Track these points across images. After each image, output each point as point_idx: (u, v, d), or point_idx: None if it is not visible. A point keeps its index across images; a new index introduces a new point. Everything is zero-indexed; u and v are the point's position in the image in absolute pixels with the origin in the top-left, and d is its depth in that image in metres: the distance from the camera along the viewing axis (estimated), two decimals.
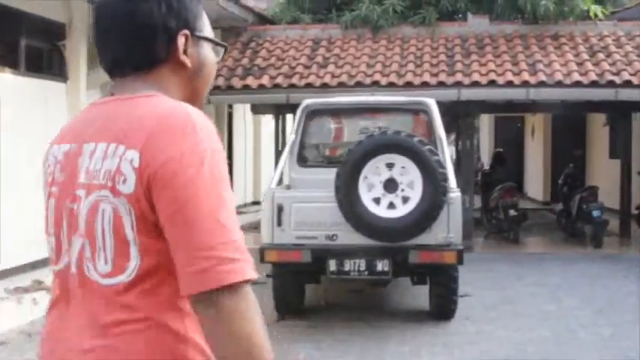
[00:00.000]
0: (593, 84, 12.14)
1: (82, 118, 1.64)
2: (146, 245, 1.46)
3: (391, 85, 12.28)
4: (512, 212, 13.69)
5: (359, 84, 12.39)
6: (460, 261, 7.42)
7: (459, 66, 12.72)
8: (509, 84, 12.22)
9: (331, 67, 12.88)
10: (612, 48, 13.20)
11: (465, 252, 12.23)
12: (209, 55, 1.67)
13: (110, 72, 1.63)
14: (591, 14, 13.94)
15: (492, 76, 12.35)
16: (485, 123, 25.00)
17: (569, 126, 20.76)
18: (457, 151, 16.31)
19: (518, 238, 13.62)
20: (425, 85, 12.32)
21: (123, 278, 1.47)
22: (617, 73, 12.35)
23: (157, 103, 1.51)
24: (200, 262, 1.38)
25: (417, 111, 8.65)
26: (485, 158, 24.38)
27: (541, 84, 12.20)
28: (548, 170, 21.11)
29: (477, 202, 15.03)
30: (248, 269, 1.41)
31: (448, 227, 7.35)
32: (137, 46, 1.57)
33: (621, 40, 13.57)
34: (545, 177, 20.79)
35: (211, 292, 1.38)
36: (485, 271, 10.95)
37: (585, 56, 12.90)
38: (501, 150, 16.86)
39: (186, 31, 1.60)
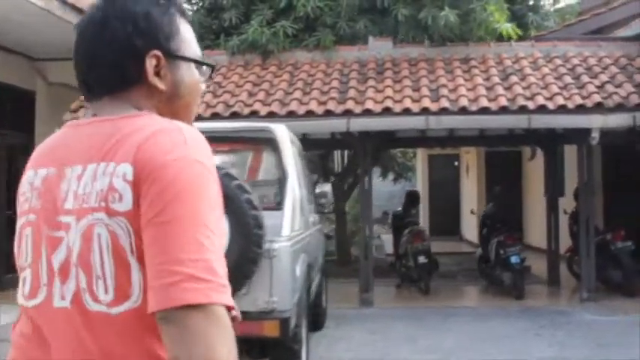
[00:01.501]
0: (503, 110, 10.52)
1: (60, 140, 1.56)
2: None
3: (271, 114, 10.58)
4: (421, 259, 12.01)
5: (235, 114, 10.68)
6: (285, 333, 5.63)
7: (351, 93, 11.07)
8: (406, 111, 10.58)
9: (208, 97, 11.16)
10: (528, 70, 11.67)
11: (363, 307, 10.77)
12: (188, 75, 1.59)
13: (86, 95, 1.58)
14: (503, 33, 12.43)
15: (388, 103, 10.72)
16: (420, 161, 23.42)
17: (503, 162, 19.28)
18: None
19: (428, 289, 11.91)
20: (310, 114, 10.64)
21: (130, 305, 1.39)
22: (531, 98, 10.78)
23: (147, 121, 1.46)
24: (165, 276, 1.31)
25: (261, 140, 6.95)
26: (424, 199, 22.77)
27: (443, 111, 10.57)
28: (482, 210, 19.51)
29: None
30: (219, 293, 1.32)
31: (270, 289, 5.59)
32: (107, 67, 1.53)
33: (539, 62, 12.05)
34: (479, 218, 19.14)
35: (178, 309, 1.29)
36: (375, 333, 9.21)
37: (497, 80, 11.33)
38: (415, 190, 15.19)
39: (157, 52, 1.53)
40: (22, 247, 1.53)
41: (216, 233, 1.37)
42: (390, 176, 25.67)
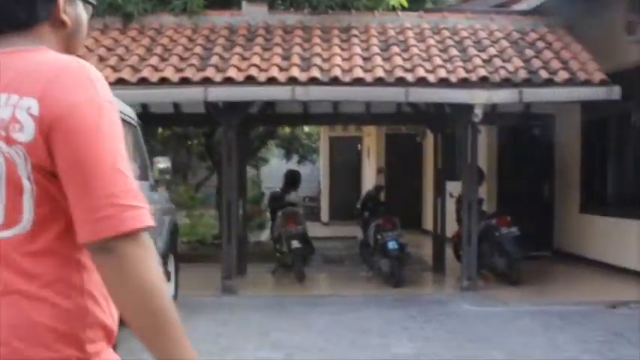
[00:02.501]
0: (379, 82, 9.59)
1: None
2: (41, 196, 1.44)
3: (121, 81, 9.40)
4: (295, 244, 11.08)
5: None
6: None
7: (214, 60, 9.97)
8: (272, 81, 9.54)
9: None
10: (412, 42, 10.77)
11: (224, 295, 9.75)
12: (82, 12, 1.66)
13: None
14: (394, 4, 11.52)
15: (253, 71, 9.66)
16: (322, 143, 22.50)
17: (404, 144, 18.48)
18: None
19: (302, 276, 10.96)
20: (164, 81, 9.51)
21: (18, 230, 1.44)
22: (412, 70, 9.88)
23: (47, 55, 1.50)
24: (104, 209, 1.39)
25: None
26: (325, 182, 21.88)
27: (312, 81, 9.57)
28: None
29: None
30: (147, 216, 1.44)
31: None
32: (17, 4, 1.53)
33: (425, 33, 11.16)
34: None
35: (113, 239, 1.39)
36: (226, 325, 8.22)
37: (376, 50, 10.39)
38: (294, 170, 14.13)
39: None
40: None
41: (127, 160, 1.45)
42: (293, 159, 24.83)
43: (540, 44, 10.81)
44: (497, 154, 14.08)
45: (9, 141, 1.42)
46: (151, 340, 1.45)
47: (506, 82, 9.72)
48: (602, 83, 9.74)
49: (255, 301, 9.77)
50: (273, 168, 23.14)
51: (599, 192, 12.54)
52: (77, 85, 1.43)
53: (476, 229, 10.35)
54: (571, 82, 9.75)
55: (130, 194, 1.42)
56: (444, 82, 9.66)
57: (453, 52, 10.42)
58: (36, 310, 1.42)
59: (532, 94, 9.62)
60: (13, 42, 1.52)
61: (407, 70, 9.85)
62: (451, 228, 11.84)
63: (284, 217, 11.55)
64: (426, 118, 12.15)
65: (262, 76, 9.63)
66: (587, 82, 9.76)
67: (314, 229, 20.11)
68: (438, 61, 10.10)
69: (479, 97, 9.51)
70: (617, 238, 11.59)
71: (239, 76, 9.57)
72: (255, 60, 9.99)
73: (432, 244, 12.19)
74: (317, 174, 23.39)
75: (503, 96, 9.59)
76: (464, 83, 9.67)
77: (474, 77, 9.76)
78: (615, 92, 9.60)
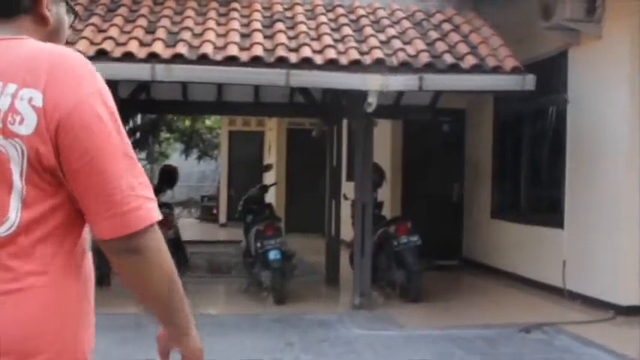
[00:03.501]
0: (256, 61, 8.04)
1: None
2: (33, 194, 1.38)
3: None
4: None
5: None
6: None
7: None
8: (128, 57, 7.90)
9: None
10: (300, 18, 9.28)
11: None
12: (65, 15, 1.64)
13: None
14: None
15: (107, 45, 8.01)
16: (222, 138, 20.85)
17: (306, 140, 16.99)
18: None
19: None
20: None
21: (1, 231, 1.37)
22: (296, 49, 8.38)
23: (39, 45, 1.46)
24: (126, 203, 1.40)
25: None
26: (224, 180, 20.22)
27: (177, 58, 7.97)
28: (282, 195, 17.26)
29: None
30: (157, 208, 1.47)
31: None
32: None
33: (317, 10, 9.70)
34: (278, 202, 16.76)
35: (139, 231, 1.42)
36: None
37: (258, 26, 8.86)
38: (171, 164, 12.41)
39: None
40: None
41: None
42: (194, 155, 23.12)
43: (447, 27, 9.47)
44: (402, 152, 12.77)
45: (6, 133, 1.35)
46: (169, 315, 1.56)
47: (405, 67, 8.32)
48: (514, 71, 8.44)
49: (105, 319, 8.09)
50: (174, 164, 21.40)
51: (512, 195, 11.40)
52: (81, 79, 1.40)
53: (370, 238, 8.94)
54: (479, 68, 8.42)
55: (144, 185, 1.44)
56: (332, 65, 8.18)
57: (347, 31, 8.97)
58: (19, 310, 1.36)
59: (434, 81, 8.23)
60: (2, 31, 1.46)
61: (290, 50, 8.35)
62: (350, 234, 10.42)
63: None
64: (321, 109, 10.66)
65: (117, 52, 7.97)
66: (497, 70, 8.45)
67: (209, 232, 18.61)
68: (328, 40, 8.63)
69: (372, 83, 8.07)
70: (531, 248, 10.44)
71: (89, 50, 7.88)
72: (113, 32, 8.33)
73: (325, 252, 10.72)
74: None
75: (400, 82, 8.18)
76: (355, 66, 8.22)
77: (367, 60, 8.34)
78: (529, 82, 8.32)
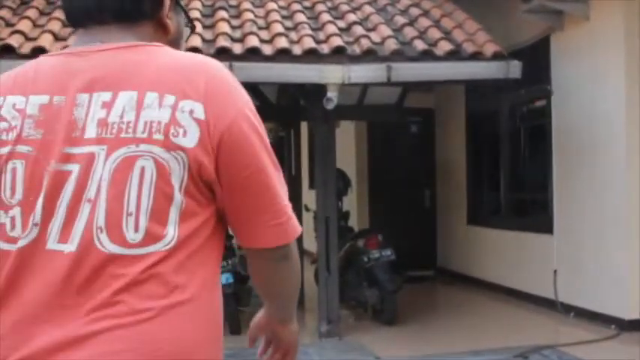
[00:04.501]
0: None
1: (58, 67, 1.40)
2: (191, 208, 1.35)
3: None
4: None
5: None
6: None
7: None
8: (40, 53, 6.59)
9: None
10: (246, 5, 8.10)
11: None
12: (184, 26, 1.62)
13: (84, 18, 1.46)
14: None
15: (15, 41, 6.74)
16: None
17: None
18: None
19: None
20: None
21: (159, 247, 1.32)
22: (241, 40, 7.22)
23: (182, 54, 1.44)
24: (281, 215, 1.44)
25: None
26: None
27: None
28: None
29: None
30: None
31: None
32: None
33: None
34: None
35: (288, 242, 1.49)
36: None
37: (196, 15, 7.64)
38: None
39: None
40: (7, 182, 1.34)
41: None
42: None
43: (415, 11, 8.34)
44: (368, 156, 11.63)
45: (168, 146, 1.30)
46: (290, 306, 1.77)
47: (370, 55, 7.17)
48: (496, 57, 7.33)
49: None
50: None
51: (491, 199, 10.35)
52: (235, 91, 1.39)
53: (336, 253, 7.76)
54: (455, 55, 7.30)
55: (287, 199, 1.46)
56: (283, 55, 7.00)
57: (301, 18, 7.79)
58: (178, 324, 1.33)
59: (405, 71, 7.07)
60: (119, 35, 1.42)
61: (234, 40, 7.16)
62: (314, 245, 9.22)
63: None
64: (276, 110, 9.46)
65: (27, 47, 6.69)
66: (476, 56, 7.33)
67: None
68: (278, 28, 7.44)
69: (332, 75, 6.89)
70: (516, 257, 9.39)
71: None
72: (23, 26, 7.02)
73: None
74: None
75: (365, 72, 7.01)
76: (311, 56, 7.05)
77: (325, 49, 7.17)
78: (514, 69, 7.23)
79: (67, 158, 1.31)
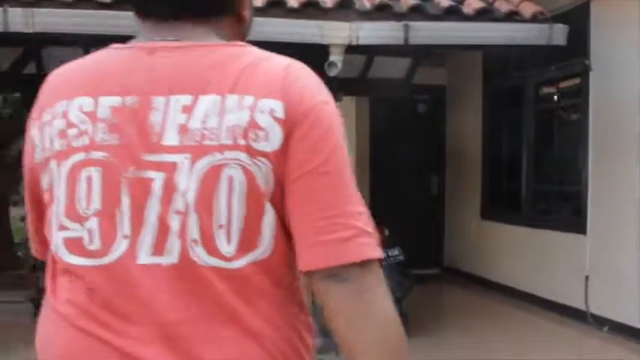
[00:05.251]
0: None
1: (129, 65, 1.31)
2: (278, 217, 1.26)
3: None
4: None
5: None
6: None
7: None
8: None
9: None
10: None
11: None
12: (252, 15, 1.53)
13: (160, 8, 1.35)
14: None
15: None
16: None
17: None
18: None
19: None
20: None
21: (255, 256, 1.26)
22: None
23: (262, 54, 1.33)
24: (340, 229, 1.24)
25: None
26: None
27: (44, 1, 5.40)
28: None
29: None
30: (378, 247, 1.30)
31: None
32: None
33: None
34: None
35: (354, 266, 1.24)
36: None
37: None
38: None
39: None
40: (81, 191, 1.26)
41: None
42: None
43: None
44: (369, 138, 10.48)
45: (251, 152, 1.23)
46: None
47: (383, 12, 5.93)
48: (535, 19, 6.07)
49: None
50: None
51: (510, 191, 9.20)
52: (313, 87, 1.30)
53: None
54: (487, 15, 6.05)
55: (364, 217, 1.28)
56: (276, 9, 5.74)
57: None
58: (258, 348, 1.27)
59: (425, 32, 5.81)
60: (196, 32, 1.33)
61: None
62: None
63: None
64: None
65: None
66: (512, 17, 6.07)
67: None
68: None
69: (336, 34, 5.65)
70: (539, 259, 8.25)
71: None
72: None
73: None
74: None
75: (377, 32, 5.76)
76: (311, 10, 5.80)
77: (328, 2, 5.91)
78: (558, 34, 6.02)
79: (147, 166, 1.24)
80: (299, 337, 1.33)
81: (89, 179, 1.26)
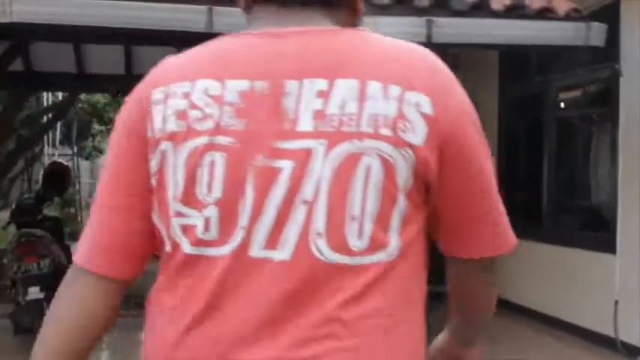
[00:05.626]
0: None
1: (255, 49, 1.28)
2: (411, 214, 1.24)
3: None
4: (33, 292, 6.69)
5: None
6: None
7: None
8: None
9: None
10: None
11: None
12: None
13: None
14: None
15: None
16: None
17: None
18: None
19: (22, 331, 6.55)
20: None
21: (383, 257, 1.21)
22: None
23: (389, 39, 1.33)
24: (500, 224, 1.37)
25: None
26: None
27: None
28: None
29: None
30: None
31: None
32: None
33: None
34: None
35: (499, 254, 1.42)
36: None
37: None
38: (61, 162, 9.10)
39: None
40: (203, 177, 1.22)
41: None
42: None
43: None
44: None
45: (397, 142, 1.20)
46: (480, 326, 1.60)
47: (403, 6, 5.40)
48: (570, 17, 5.52)
49: None
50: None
51: (529, 205, 8.70)
52: (457, 86, 1.29)
53: None
54: (517, 11, 5.52)
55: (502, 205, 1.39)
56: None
57: None
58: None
59: (450, 29, 5.29)
60: (319, 19, 1.30)
61: None
62: None
63: (18, 244, 6.84)
64: None
65: None
66: (545, 14, 5.53)
67: None
68: None
69: None
70: (562, 279, 7.73)
71: None
72: None
73: None
74: None
75: (397, 28, 5.19)
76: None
77: None
78: (596, 34, 5.48)
79: (278, 154, 1.19)
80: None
81: (212, 165, 1.21)
